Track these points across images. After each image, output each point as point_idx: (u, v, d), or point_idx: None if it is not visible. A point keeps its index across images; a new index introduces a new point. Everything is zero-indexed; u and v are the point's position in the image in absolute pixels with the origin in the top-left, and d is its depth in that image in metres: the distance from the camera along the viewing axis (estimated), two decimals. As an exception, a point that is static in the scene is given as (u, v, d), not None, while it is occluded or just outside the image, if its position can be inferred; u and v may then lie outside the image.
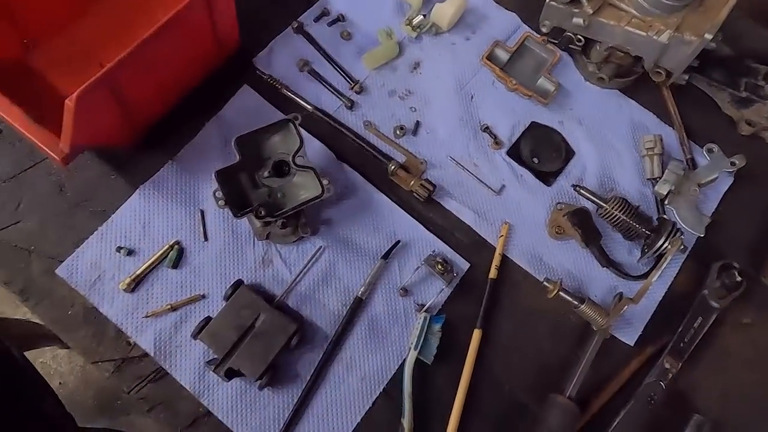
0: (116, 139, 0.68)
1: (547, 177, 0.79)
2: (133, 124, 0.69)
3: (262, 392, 0.64)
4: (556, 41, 0.81)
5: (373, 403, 0.66)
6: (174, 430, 0.63)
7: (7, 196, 0.69)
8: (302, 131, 0.66)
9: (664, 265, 0.68)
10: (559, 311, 0.72)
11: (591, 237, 0.74)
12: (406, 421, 0.64)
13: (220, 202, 0.63)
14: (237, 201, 0.64)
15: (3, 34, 0.70)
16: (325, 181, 0.66)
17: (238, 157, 0.64)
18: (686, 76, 0.79)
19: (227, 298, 0.65)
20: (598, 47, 0.79)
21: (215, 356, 0.63)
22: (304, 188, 0.68)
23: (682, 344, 0.71)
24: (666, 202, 0.77)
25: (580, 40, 0.80)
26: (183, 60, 0.70)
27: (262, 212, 0.64)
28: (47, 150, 0.61)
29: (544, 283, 0.71)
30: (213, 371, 0.62)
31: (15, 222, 0.67)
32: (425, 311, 0.69)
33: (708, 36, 0.69)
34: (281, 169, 0.67)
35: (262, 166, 0.67)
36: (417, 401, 0.65)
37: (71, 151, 0.61)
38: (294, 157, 0.66)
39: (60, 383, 1.71)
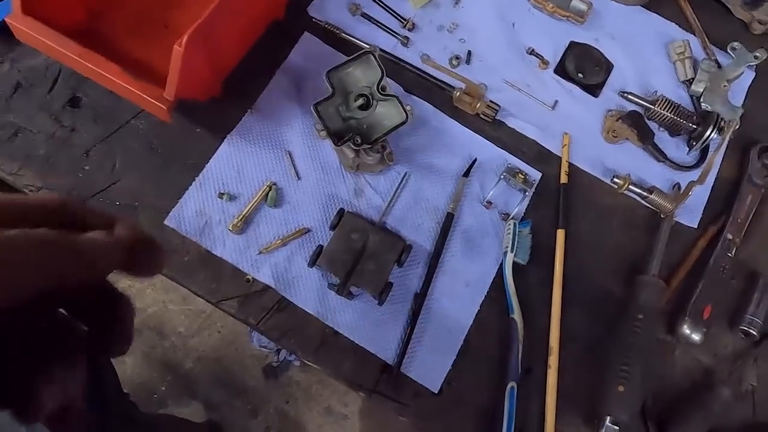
0: (203, 89, 0.70)
1: (593, 89, 0.85)
2: (215, 74, 0.71)
3: (382, 308, 0.68)
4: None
5: (481, 306, 0.71)
6: (307, 353, 0.66)
7: (102, 158, 0.70)
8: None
9: (724, 144, 0.75)
10: (626, 205, 0.79)
11: (646, 135, 0.80)
12: (516, 315, 0.69)
13: (321, 133, 0.66)
14: (333, 133, 0.68)
15: (69, 3, 0.71)
16: (408, 107, 0.70)
17: (330, 90, 0.68)
18: (707, -17, 0.86)
19: (334, 226, 0.69)
20: (624, -36, 0.86)
21: (335, 280, 0.67)
22: (386, 117, 0.71)
23: (738, 220, 0.78)
24: (701, 100, 0.84)
25: (606, -40, 0.86)
26: (255, 8, 0.73)
27: (359, 140, 0.68)
28: (153, 101, 0.63)
29: (614, 179, 0.77)
30: (336, 293, 0.66)
31: (114, 182, 0.69)
32: (511, 219, 0.74)
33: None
34: (366, 101, 0.70)
35: (346, 100, 0.70)
36: (519, 298, 0.70)
37: (174, 99, 0.63)
38: (377, 87, 0.70)
39: (93, 385, 1.69)
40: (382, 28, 0.82)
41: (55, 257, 0.26)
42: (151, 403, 1.67)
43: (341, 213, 0.70)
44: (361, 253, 0.68)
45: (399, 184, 0.74)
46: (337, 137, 0.68)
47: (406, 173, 0.75)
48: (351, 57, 0.69)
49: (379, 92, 0.70)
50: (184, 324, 1.72)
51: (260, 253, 0.69)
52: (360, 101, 0.69)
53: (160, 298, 1.72)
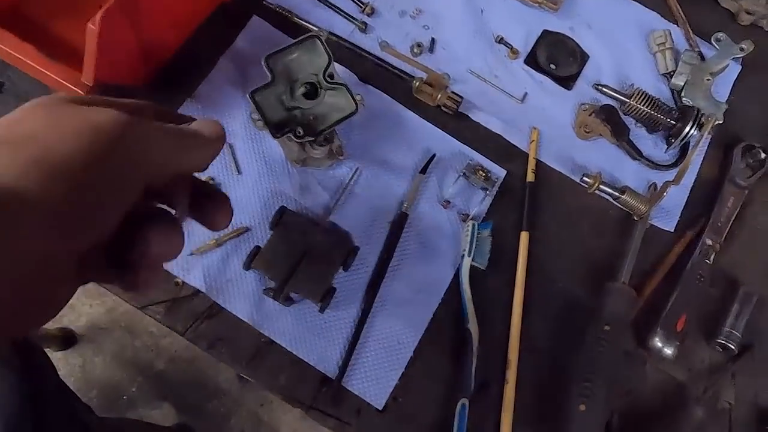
0: (134, 75, 0.65)
1: (566, 81, 0.79)
2: (149, 59, 0.65)
3: (323, 315, 0.62)
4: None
5: (434, 314, 0.65)
6: (239, 364, 0.60)
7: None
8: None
9: (701, 141, 0.69)
10: (598, 206, 0.73)
11: (621, 131, 0.74)
12: (472, 325, 0.63)
13: (258, 123, 0.61)
14: (272, 123, 0.62)
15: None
16: (357, 97, 0.64)
17: (269, 76, 0.62)
18: (691, -32, 0.80)
19: (274, 225, 0.63)
20: (601, -53, 0.80)
21: (272, 283, 0.61)
22: (335, 108, 0.65)
23: (719, 224, 0.72)
24: (682, 94, 0.78)
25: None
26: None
27: (301, 131, 0.62)
28: (69, 85, 0.57)
29: (584, 179, 0.71)
30: (272, 298, 0.60)
31: (35, 174, 0.63)
32: (471, 219, 0.68)
33: None
34: (311, 90, 0.65)
35: (291, 88, 0.64)
36: (476, 306, 0.65)
37: (94, 84, 0.58)
38: (324, 74, 0.64)
39: (60, 386, 1.64)
40: (339, 13, 0.76)
41: (196, 146, 0.33)
42: (120, 405, 1.61)
43: (282, 211, 0.64)
44: (303, 255, 0.62)
45: (348, 180, 0.68)
46: (278, 128, 0.62)
47: (356, 168, 0.69)
48: (295, 41, 0.63)
49: (325, 80, 0.64)
50: (155, 323, 1.66)
51: (192, 254, 0.63)
52: (302, 89, 0.63)
53: (132, 296, 1.67)
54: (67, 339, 1.62)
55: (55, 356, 1.62)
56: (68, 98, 0.30)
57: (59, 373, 1.61)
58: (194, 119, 0.35)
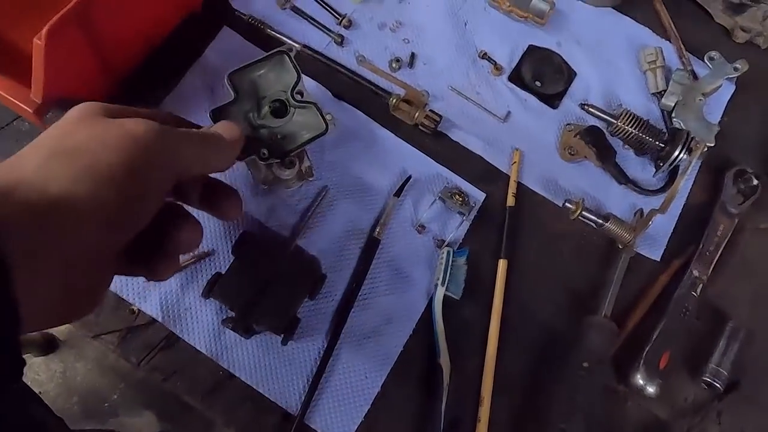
0: (92, 90, 0.61)
1: (551, 99, 0.75)
2: (109, 72, 0.62)
3: (286, 347, 0.59)
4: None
5: (405, 346, 0.62)
6: (195, 398, 0.57)
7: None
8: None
9: (690, 168, 0.65)
10: (581, 233, 0.70)
11: (606, 154, 0.71)
12: (443, 360, 0.60)
13: (219, 144, 0.57)
14: (236, 144, 0.59)
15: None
16: (328, 116, 0.61)
17: (232, 94, 0.58)
18: (684, -17, 0.77)
19: (235, 251, 0.60)
20: (591, -40, 0.76)
21: (232, 313, 0.58)
22: (305, 127, 0.62)
23: (707, 253, 0.69)
24: (673, 115, 0.74)
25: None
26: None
27: (266, 153, 0.59)
28: (17, 102, 0.54)
29: (566, 204, 0.68)
30: (231, 329, 0.57)
31: (-15, 193, 0.60)
32: (446, 246, 0.65)
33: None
34: (279, 108, 0.61)
35: (258, 105, 0.61)
36: (450, 338, 0.61)
37: (44, 102, 0.54)
38: (292, 92, 0.61)
39: (40, 392, 1.61)
40: (314, 24, 0.73)
41: (218, 149, 0.39)
42: (102, 412, 1.59)
43: (244, 235, 0.60)
44: (266, 284, 0.58)
45: (315, 202, 0.65)
46: (242, 149, 0.59)
47: (323, 189, 0.66)
48: (261, 57, 0.60)
49: (293, 98, 0.61)
50: (138, 330, 1.63)
51: (150, 280, 0.60)
52: (269, 107, 0.60)
53: (115, 302, 1.64)
54: (49, 344, 1.59)
55: (35, 362, 1.59)
56: (102, 109, 0.34)
57: (39, 377, 1.58)
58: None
